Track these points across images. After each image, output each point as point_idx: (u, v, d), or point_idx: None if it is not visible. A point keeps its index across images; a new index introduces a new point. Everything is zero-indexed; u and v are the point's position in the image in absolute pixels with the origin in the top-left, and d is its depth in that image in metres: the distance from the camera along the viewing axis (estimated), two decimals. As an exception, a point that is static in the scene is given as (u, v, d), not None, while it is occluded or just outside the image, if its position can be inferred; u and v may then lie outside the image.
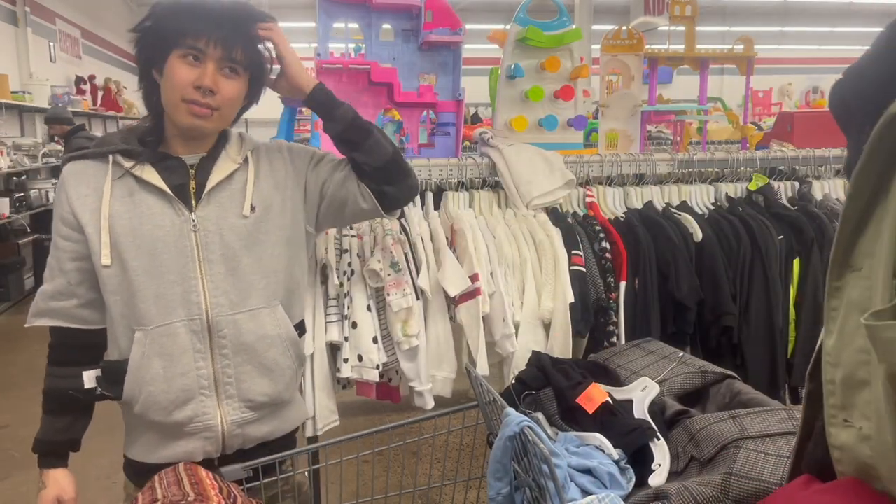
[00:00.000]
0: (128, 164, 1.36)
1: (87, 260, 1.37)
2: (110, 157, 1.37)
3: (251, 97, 1.44)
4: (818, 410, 0.74)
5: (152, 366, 1.36)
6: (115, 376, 1.39)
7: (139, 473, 1.46)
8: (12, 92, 7.30)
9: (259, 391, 1.43)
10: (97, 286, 1.39)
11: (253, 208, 1.40)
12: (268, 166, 1.47)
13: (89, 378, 1.42)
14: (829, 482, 0.59)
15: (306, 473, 1.61)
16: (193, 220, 1.36)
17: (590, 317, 2.07)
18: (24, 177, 7.21)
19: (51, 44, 9.19)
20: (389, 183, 1.49)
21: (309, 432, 1.94)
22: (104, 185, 1.35)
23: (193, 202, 1.37)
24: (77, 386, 1.42)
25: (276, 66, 1.48)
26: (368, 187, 1.48)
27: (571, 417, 1.45)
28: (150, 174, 1.36)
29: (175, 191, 1.36)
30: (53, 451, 1.45)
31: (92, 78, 10.02)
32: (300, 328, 1.53)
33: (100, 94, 10.22)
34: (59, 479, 1.44)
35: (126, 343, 1.38)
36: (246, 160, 1.44)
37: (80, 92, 9.44)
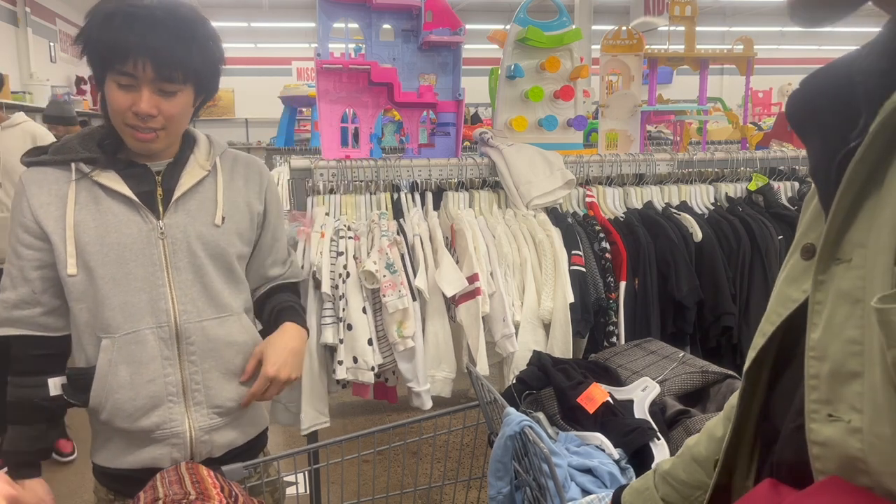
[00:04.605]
0: (90, 171, 1.33)
1: (51, 268, 1.35)
2: (72, 165, 1.34)
3: (204, 96, 1.40)
4: (746, 424, 0.74)
5: (119, 373, 1.34)
6: (81, 383, 1.37)
7: (108, 478, 1.45)
8: (13, 92, 7.31)
9: (227, 396, 1.43)
10: (61, 293, 1.37)
11: (223, 219, 1.41)
12: (242, 182, 1.46)
13: (55, 385, 1.40)
14: (809, 486, 0.59)
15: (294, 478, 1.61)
16: (161, 228, 1.35)
17: (590, 317, 2.07)
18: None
19: (51, 44, 9.20)
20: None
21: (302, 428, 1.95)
22: (67, 194, 1.32)
23: (161, 209, 1.36)
24: (43, 395, 1.38)
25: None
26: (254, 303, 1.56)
27: (572, 417, 1.45)
28: (115, 182, 1.33)
29: (141, 198, 1.34)
30: (25, 462, 1.39)
31: (92, 78, 10.02)
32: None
33: (100, 94, 10.21)
34: (36, 489, 1.40)
35: (93, 350, 1.36)
36: (214, 166, 1.43)
37: (81, 92, 9.45)
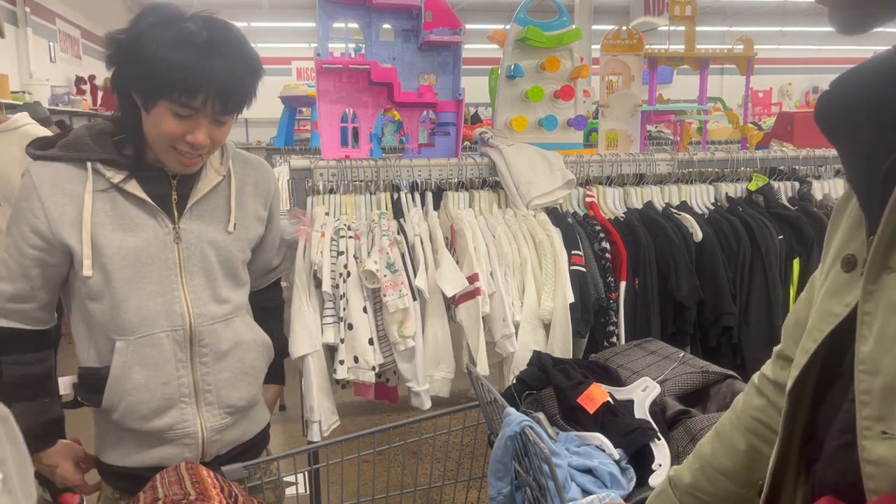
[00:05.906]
0: (109, 174, 1.31)
1: (53, 268, 1.34)
2: (88, 164, 1.31)
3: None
4: (790, 443, 0.72)
5: (133, 375, 1.34)
6: (92, 383, 1.37)
7: (116, 477, 1.45)
8: (12, 92, 7.28)
9: (238, 396, 1.45)
10: (55, 288, 1.38)
11: (234, 225, 1.42)
12: (252, 188, 1.48)
13: (64, 384, 1.40)
14: None
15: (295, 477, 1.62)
16: (176, 232, 1.35)
17: (590, 317, 2.07)
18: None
19: (51, 44, 9.19)
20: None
21: (316, 437, 1.93)
22: (83, 195, 1.30)
23: (176, 213, 1.36)
24: (42, 371, 1.39)
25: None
26: (256, 304, 1.59)
27: (572, 417, 1.45)
28: (133, 186, 1.32)
29: (157, 201, 1.34)
30: (42, 434, 1.38)
31: (92, 78, 10.01)
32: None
33: (100, 94, 10.21)
34: (61, 450, 1.39)
35: (105, 349, 1.35)
36: (228, 171, 1.43)
37: (81, 92, 9.43)
